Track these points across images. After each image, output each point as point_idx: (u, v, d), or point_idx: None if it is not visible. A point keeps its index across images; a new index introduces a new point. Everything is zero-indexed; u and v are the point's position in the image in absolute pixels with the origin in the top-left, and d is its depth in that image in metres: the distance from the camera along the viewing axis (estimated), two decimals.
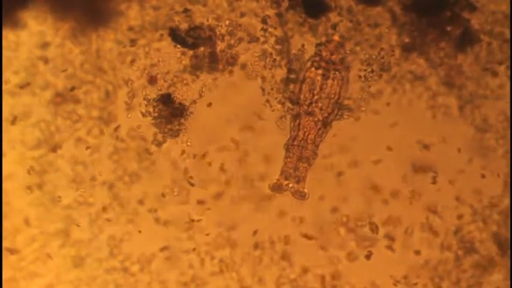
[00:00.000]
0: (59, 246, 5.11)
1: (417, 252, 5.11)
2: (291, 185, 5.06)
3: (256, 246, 5.15)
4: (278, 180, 5.09)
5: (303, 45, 5.13)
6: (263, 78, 5.12)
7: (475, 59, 5.12)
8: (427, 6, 5.06)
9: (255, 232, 5.15)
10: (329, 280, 5.14)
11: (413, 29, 5.09)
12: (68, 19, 5.11)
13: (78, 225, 5.10)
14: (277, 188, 5.09)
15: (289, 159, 5.09)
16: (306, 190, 5.08)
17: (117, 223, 5.14)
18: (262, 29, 5.15)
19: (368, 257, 5.13)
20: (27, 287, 5.09)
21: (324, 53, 5.08)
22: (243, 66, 5.16)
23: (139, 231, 5.13)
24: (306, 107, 5.06)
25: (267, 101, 5.11)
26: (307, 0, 5.12)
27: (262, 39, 5.15)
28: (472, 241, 5.10)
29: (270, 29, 5.15)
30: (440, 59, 5.10)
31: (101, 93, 5.16)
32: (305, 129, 5.06)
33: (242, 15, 5.16)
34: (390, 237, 5.13)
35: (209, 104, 5.16)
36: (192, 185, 5.15)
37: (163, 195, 5.14)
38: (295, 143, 5.08)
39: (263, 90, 5.11)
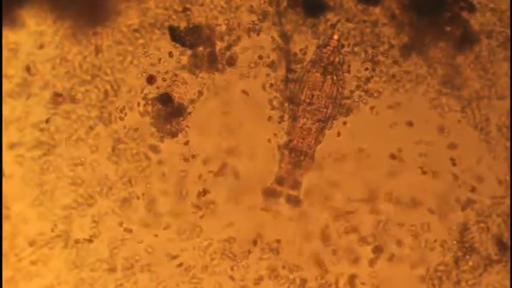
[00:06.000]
0: (59, 247, 5.12)
1: (417, 253, 5.12)
2: (285, 191, 5.05)
3: (255, 243, 5.16)
4: (271, 185, 5.09)
5: (306, 46, 5.12)
6: (268, 75, 5.12)
7: (474, 59, 5.09)
8: (426, 6, 5.03)
9: (254, 231, 5.16)
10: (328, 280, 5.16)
11: (412, 29, 5.07)
12: (67, 19, 5.10)
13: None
14: (270, 193, 5.07)
15: (284, 164, 5.08)
16: (301, 196, 5.07)
17: (117, 223, 5.15)
18: (257, 21, 5.13)
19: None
20: (27, 287, 5.11)
21: (323, 54, 5.06)
22: (243, 66, 5.14)
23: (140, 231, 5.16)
24: (304, 108, 5.04)
25: (269, 100, 5.12)
26: (306, 0, 5.09)
27: (261, 38, 5.14)
28: (472, 241, 5.09)
29: (270, 28, 5.13)
30: (439, 59, 5.08)
31: (100, 93, 5.15)
32: (303, 133, 5.04)
33: (241, 14, 5.15)
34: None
35: (208, 104, 5.16)
36: (191, 184, 5.15)
37: (162, 195, 5.15)
38: (291, 147, 5.06)
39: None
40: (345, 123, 5.11)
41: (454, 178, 5.10)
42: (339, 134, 5.12)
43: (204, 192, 5.14)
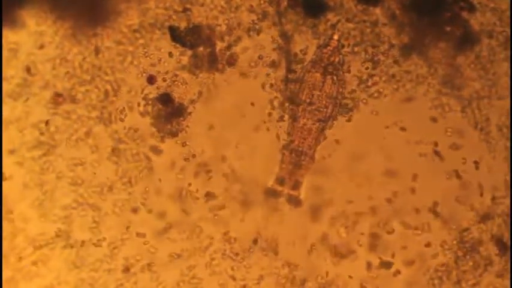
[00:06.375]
0: (59, 247, 5.12)
1: (417, 253, 5.12)
2: (286, 191, 5.06)
3: (255, 242, 5.16)
4: (272, 185, 5.09)
5: (307, 47, 5.12)
6: (268, 75, 5.13)
7: (475, 59, 5.10)
8: (426, 6, 5.03)
9: (255, 231, 5.16)
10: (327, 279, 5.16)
11: (412, 29, 5.07)
12: (67, 19, 5.10)
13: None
14: (271, 193, 5.08)
15: (284, 165, 5.08)
16: (301, 197, 5.08)
17: (117, 223, 5.15)
18: (257, 21, 5.13)
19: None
20: (27, 287, 5.11)
21: (323, 54, 5.07)
22: (242, 66, 5.15)
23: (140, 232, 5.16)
24: (305, 108, 5.05)
25: (269, 100, 5.12)
26: (306, 0, 5.10)
27: (262, 38, 5.14)
28: (472, 241, 5.09)
29: (270, 28, 5.14)
30: (439, 59, 5.08)
31: (100, 94, 5.15)
32: (303, 134, 5.04)
33: (241, 14, 5.15)
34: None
35: (209, 104, 5.16)
36: (191, 185, 5.15)
37: (162, 195, 5.15)
38: (291, 147, 5.07)
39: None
40: (345, 123, 5.12)
41: (454, 177, 5.11)
42: (339, 133, 5.13)
43: (206, 193, 5.15)
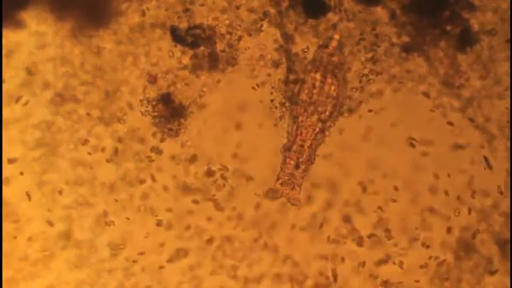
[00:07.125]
0: (59, 247, 5.11)
1: (418, 253, 5.13)
2: (286, 192, 5.06)
3: (256, 241, 5.16)
4: (274, 186, 5.09)
5: (307, 47, 5.13)
6: (269, 75, 5.14)
7: (475, 59, 5.11)
8: (427, 6, 5.05)
9: (256, 230, 5.16)
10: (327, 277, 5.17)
11: (413, 28, 5.08)
12: (68, 19, 5.11)
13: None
14: (272, 194, 5.09)
15: (285, 166, 5.08)
16: (300, 197, 5.08)
17: (118, 224, 5.14)
18: (258, 21, 5.14)
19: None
20: (28, 287, 5.10)
21: (324, 54, 5.07)
22: (243, 66, 5.16)
23: (140, 232, 5.16)
24: (305, 108, 5.05)
25: (269, 100, 5.13)
26: (307, 0, 5.11)
27: (262, 38, 5.15)
28: (473, 241, 5.09)
29: (271, 28, 5.15)
30: (440, 59, 5.10)
31: (101, 94, 5.16)
32: (303, 135, 5.05)
33: (242, 14, 5.16)
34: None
35: (209, 104, 5.17)
36: (192, 184, 5.15)
37: (163, 194, 5.15)
38: (292, 149, 5.07)
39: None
40: (345, 123, 5.13)
41: (455, 177, 5.12)
42: (340, 133, 5.14)
43: (206, 193, 5.16)
